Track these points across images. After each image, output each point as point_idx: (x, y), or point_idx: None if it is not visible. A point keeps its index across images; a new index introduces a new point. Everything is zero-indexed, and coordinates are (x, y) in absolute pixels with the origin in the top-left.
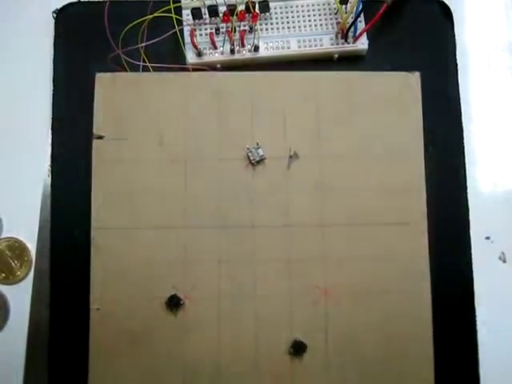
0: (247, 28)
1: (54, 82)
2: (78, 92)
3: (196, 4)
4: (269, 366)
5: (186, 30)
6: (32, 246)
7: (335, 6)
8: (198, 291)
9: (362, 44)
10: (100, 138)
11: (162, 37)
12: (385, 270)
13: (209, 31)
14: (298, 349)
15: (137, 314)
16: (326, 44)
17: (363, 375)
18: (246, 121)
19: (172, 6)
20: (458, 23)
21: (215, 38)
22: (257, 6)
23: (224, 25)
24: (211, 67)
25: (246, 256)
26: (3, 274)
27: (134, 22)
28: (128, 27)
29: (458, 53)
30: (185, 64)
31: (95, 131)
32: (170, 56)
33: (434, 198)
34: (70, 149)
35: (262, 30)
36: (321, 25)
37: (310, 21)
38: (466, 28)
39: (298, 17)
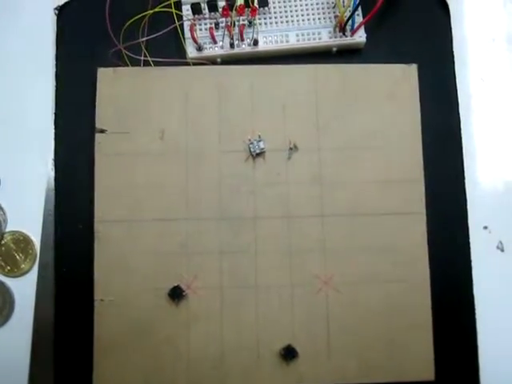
0: (246, 22)
1: (56, 77)
2: (81, 87)
3: None
4: (271, 356)
5: (186, 24)
6: (36, 239)
7: None
8: (200, 282)
9: (360, 37)
10: (102, 131)
11: (163, 32)
12: (384, 259)
13: (208, 26)
14: (288, 354)
15: (140, 305)
16: (324, 37)
17: (363, 364)
18: (245, 114)
19: (172, 0)
20: (456, 15)
21: (215, 33)
22: (255, 0)
23: (223, 19)
24: (211, 61)
25: (247, 247)
26: (8, 267)
27: (135, 18)
28: (129, 23)
29: (456, 45)
30: (185, 58)
31: (97, 125)
32: (170, 50)
33: (433, 188)
34: (73, 143)
35: (260, 24)
36: (319, 18)
37: (308, 14)
38: (464, 20)
39: (296, 11)
